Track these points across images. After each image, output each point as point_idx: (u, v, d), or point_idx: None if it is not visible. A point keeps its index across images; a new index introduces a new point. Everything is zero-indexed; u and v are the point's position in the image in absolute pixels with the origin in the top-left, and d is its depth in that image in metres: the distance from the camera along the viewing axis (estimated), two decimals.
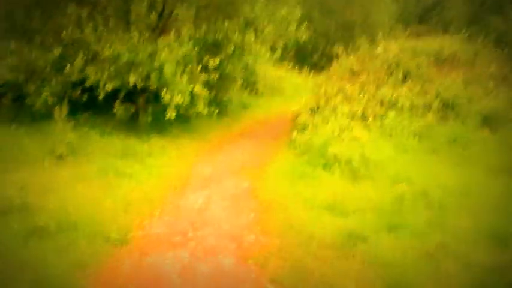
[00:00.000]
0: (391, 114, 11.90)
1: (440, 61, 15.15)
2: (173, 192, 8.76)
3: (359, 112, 12.01)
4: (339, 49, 16.36)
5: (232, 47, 12.75)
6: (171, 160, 10.92)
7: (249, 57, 13.69)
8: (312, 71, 26.05)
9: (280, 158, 11.03)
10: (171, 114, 11.33)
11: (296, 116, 13.64)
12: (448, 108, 12.56)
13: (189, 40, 12.13)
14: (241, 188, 9.13)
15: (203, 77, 12.33)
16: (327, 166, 9.50)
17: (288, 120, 15.63)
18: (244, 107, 18.51)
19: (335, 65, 16.13)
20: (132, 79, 11.20)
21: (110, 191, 8.31)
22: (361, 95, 12.84)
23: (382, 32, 19.68)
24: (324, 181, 8.87)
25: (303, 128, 12.06)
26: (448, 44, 16.13)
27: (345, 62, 15.70)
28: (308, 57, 29.39)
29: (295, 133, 11.86)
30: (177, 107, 11.45)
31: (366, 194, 8.12)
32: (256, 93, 20.44)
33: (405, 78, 14.07)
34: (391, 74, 14.18)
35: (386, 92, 12.85)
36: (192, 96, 11.96)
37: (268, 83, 22.10)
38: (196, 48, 12.31)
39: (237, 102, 17.65)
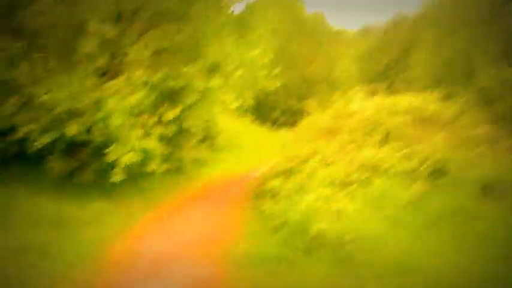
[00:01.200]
0: (378, 181, 10.24)
1: (422, 121, 13.84)
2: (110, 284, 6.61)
3: (339, 178, 10.28)
4: (309, 104, 14.85)
5: (195, 96, 10.91)
6: (114, 230, 8.80)
7: (213, 107, 11.83)
8: (273, 127, 24.72)
9: (248, 232, 9.09)
10: (118, 176, 9.35)
11: (263, 180, 11.80)
12: (438, 174, 11.07)
13: (144, 86, 10.24)
14: (201, 278, 7.03)
15: (159, 130, 10.44)
16: (310, 250, 7.60)
17: (251, 183, 13.80)
18: (201, 164, 16.55)
19: (305, 121, 14.60)
20: (71, 131, 9.18)
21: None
22: (339, 158, 11.20)
23: (343, 89, 18.64)
24: (311, 273, 6.93)
25: (273, 196, 10.21)
26: (427, 102, 14.93)
27: (316, 119, 14.17)
28: (268, 111, 28.02)
29: (264, 202, 10.00)
30: (127, 168, 9.47)
31: None
32: (214, 148, 18.56)
33: (385, 139, 12.62)
34: (369, 133, 12.71)
35: (368, 154, 11.26)
36: (145, 152, 10.03)
37: (228, 138, 20.35)
38: (151, 96, 10.44)
39: (193, 158, 15.68)
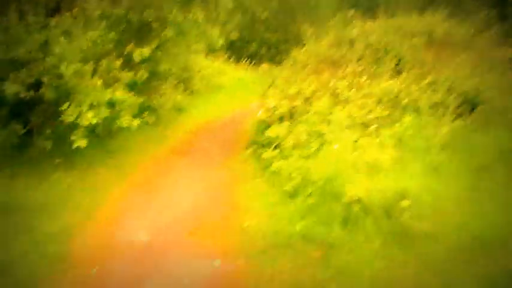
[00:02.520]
0: (403, 120, 8.30)
1: (435, 44, 11.84)
2: None
3: (359, 119, 8.29)
4: (307, 31, 12.58)
5: (171, 31, 8.60)
6: (83, 213, 6.71)
7: (194, 45, 9.54)
8: (251, 64, 22.40)
9: (257, 198, 7.07)
10: (80, 140, 7.20)
11: (261, 126, 9.73)
12: (469, 106, 9.23)
13: (103, 20, 7.90)
14: (209, 275, 5.08)
15: (127, 75, 8.22)
16: (348, 221, 5.66)
17: (241, 129, 11.77)
18: (179, 110, 14.30)
19: (298, 53, 12.43)
20: (10, 89, 6.91)
21: None
22: (351, 92, 9.19)
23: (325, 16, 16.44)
24: (359, 258, 5.00)
25: (279, 146, 8.16)
26: (434, 23, 12.87)
27: (312, 48, 12.01)
28: (244, 47, 25.42)
29: (268, 155, 7.98)
30: (90, 127, 7.31)
31: None
32: (191, 92, 16.26)
33: (397, 66, 10.67)
34: (379, 61, 10.70)
35: (384, 86, 9.28)
36: (112, 105, 7.87)
37: (205, 79, 17.99)
38: (113, 34, 8.12)
39: (170, 105, 13.42)
